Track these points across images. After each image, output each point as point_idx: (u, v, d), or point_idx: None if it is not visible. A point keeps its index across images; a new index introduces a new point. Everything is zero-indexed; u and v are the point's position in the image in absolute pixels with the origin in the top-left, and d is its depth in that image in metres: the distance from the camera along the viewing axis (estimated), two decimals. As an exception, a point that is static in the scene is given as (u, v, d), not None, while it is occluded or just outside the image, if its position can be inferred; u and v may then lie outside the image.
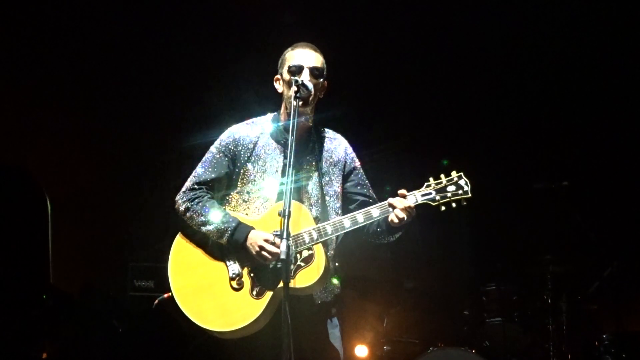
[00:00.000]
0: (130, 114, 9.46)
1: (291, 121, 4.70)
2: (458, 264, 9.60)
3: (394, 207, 4.89)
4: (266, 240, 4.81)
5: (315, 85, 4.94)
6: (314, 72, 4.97)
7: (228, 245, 4.88)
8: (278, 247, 4.70)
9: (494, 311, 8.62)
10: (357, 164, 5.19)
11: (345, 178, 5.14)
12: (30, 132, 9.13)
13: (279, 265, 4.69)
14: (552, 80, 9.50)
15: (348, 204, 5.12)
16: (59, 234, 8.83)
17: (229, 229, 4.86)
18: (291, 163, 4.57)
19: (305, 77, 4.91)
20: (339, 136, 5.24)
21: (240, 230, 4.84)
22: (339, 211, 5.07)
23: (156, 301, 5.14)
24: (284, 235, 4.40)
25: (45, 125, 9.15)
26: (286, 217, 4.43)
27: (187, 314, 4.86)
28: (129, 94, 9.40)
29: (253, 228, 4.86)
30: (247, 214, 4.98)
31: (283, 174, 4.93)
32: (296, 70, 4.94)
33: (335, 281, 5.06)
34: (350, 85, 8.84)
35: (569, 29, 9.25)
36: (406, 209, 4.84)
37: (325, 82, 5.07)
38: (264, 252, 4.81)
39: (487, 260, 9.16)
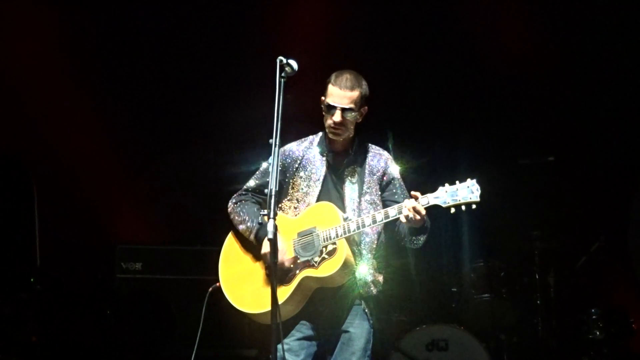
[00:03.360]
0: (120, 96, 9.45)
1: (276, 96, 4.96)
2: (445, 241, 9.60)
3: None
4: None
5: (346, 121, 5.38)
6: (346, 113, 5.37)
7: (255, 243, 5.42)
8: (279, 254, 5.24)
9: (482, 288, 8.64)
10: (396, 175, 5.59)
11: (384, 188, 5.55)
12: (16, 115, 9.09)
13: (308, 256, 5.29)
14: (537, 54, 9.49)
15: None
16: (46, 217, 8.83)
17: (254, 229, 5.42)
18: (277, 143, 4.92)
19: (336, 117, 5.35)
20: (383, 151, 5.65)
21: (263, 230, 5.25)
22: None
23: (210, 289, 5.47)
24: (271, 215, 4.76)
25: (31, 106, 9.12)
26: (272, 196, 4.80)
27: (229, 299, 5.44)
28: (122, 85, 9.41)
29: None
30: (295, 214, 5.50)
31: (324, 181, 5.46)
32: (329, 111, 5.38)
33: (379, 278, 5.49)
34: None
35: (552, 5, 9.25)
36: (412, 209, 5.19)
37: (364, 108, 5.46)
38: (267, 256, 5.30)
39: (474, 237, 9.18)
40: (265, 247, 5.26)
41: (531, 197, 9.41)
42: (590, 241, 8.81)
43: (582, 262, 8.83)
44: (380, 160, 5.57)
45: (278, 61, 4.99)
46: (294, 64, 5.02)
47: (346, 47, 9.12)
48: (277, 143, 4.92)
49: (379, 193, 5.52)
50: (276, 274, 4.84)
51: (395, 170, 5.59)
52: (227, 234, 5.58)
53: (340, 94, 5.35)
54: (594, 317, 8.40)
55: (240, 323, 8.22)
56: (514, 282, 8.71)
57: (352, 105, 5.36)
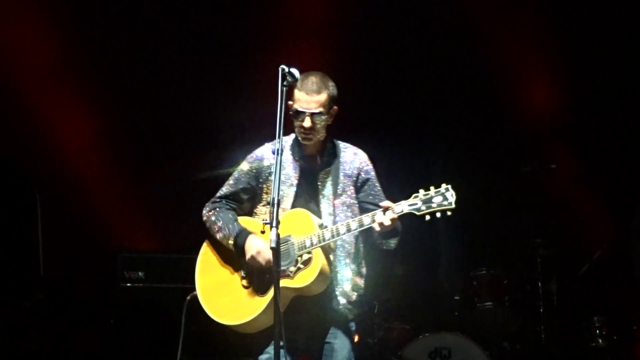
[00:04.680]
0: (120, 104, 9.45)
1: (278, 105, 4.95)
2: (448, 249, 9.61)
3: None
4: (258, 250, 5.24)
5: (316, 125, 5.29)
6: (315, 117, 5.28)
7: (234, 250, 5.34)
8: (264, 259, 5.20)
9: (484, 295, 8.64)
10: (371, 175, 5.47)
11: (359, 189, 5.44)
12: (18, 123, 9.10)
13: (284, 266, 5.14)
14: (540, 61, 9.51)
15: (362, 213, 5.37)
16: (49, 225, 8.83)
17: (232, 235, 5.33)
18: (280, 151, 4.91)
19: (306, 123, 5.27)
20: (358, 150, 5.54)
21: (241, 237, 5.30)
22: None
23: (188, 297, 5.54)
24: (274, 224, 4.74)
25: (33, 115, 9.13)
26: (275, 205, 4.78)
27: (206, 309, 5.37)
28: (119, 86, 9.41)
29: (253, 234, 5.31)
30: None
31: (299, 186, 5.38)
32: (297, 116, 5.29)
33: (359, 282, 5.42)
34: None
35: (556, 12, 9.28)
36: (386, 218, 5.09)
37: (333, 109, 5.35)
38: (255, 258, 5.25)
39: (477, 245, 9.18)
40: (251, 248, 5.22)
41: (533, 204, 9.41)
42: (593, 248, 8.81)
43: (584, 269, 8.83)
44: (355, 160, 5.46)
45: (280, 70, 5.00)
46: (295, 72, 5.04)
47: (344, 49, 9.14)
48: (281, 150, 4.90)
49: (354, 194, 5.42)
50: (279, 283, 4.78)
51: (370, 169, 5.48)
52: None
53: (308, 99, 5.26)
54: (597, 324, 8.40)
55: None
56: (517, 289, 8.72)
57: (320, 109, 5.27)
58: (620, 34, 9.23)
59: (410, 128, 9.66)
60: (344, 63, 8.88)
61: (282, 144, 4.91)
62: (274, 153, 5.01)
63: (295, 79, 5.05)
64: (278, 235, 4.72)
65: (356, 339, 8.61)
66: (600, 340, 8.35)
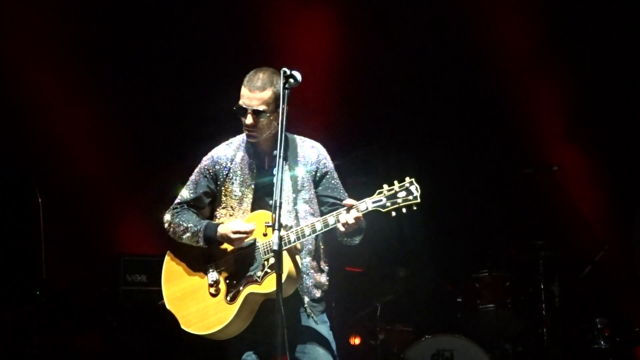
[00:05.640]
0: (123, 107, 9.46)
1: (281, 106, 4.95)
2: (450, 250, 9.60)
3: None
4: (236, 227, 5.14)
5: (259, 123, 5.20)
6: (257, 114, 5.18)
7: (205, 245, 5.25)
8: (246, 228, 5.11)
9: (486, 297, 8.63)
10: (329, 168, 5.38)
11: (317, 183, 5.35)
12: (20, 128, 9.11)
13: (251, 271, 5.15)
14: (540, 63, 9.51)
15: (321, 206, 5.35)
16: (51, 229, 8.83)
17: (200, 229, 5.24)
18: (281, 155, 4.88)
19: (248, 120, 5.19)
20: (315, 143, 5.44)
21: (210, 228, 5.23)
22: (314, 215, 5.30)
23: (159, 302, 5.52)
24: (276, 226, 4.71)
25: (35, 119, 9.14)
26: (277, 207, 4.75)
27: (176, 317, 5.31)
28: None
29: (221, 224, 5.22)
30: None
31: (257, 185, 5.27)
32: (239, 112, 5.21)
33: (322, 279, 5.33)
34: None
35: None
36: (351, 217, 5.02)
37: (279, 109, 5.10)
38: (236, 235, 5.15)
39: (479, 247, 9.17)
40: (228, 229, 5.09)
41: (535, 206, 9.41)
42: (595, 250, 8.81)
43: (587, 271, 8.83)
44: (312, 153, 5.36)
45: (282, 72, 4.98)
46: (297, 75, 5.00)
47: (344, 49, 9.15)
48: (281, 154, 4.87)
49: (314, 189, 5.34)
50: (281, 286, 4.74)
51: (328, 163, 5.38)
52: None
53: (250, 95, 5.17)
54: (599, 326, 8.39)
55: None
56: (519, 291, 8.70)
57: (263, 107, 5.16)
58: (623, 34, 9.23)
59: (409, 128, 9.65)
60: (344, 63, 8.90)
61: (281, 148, 4.87)
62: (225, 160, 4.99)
63: (297, 82, 5.00)
64: (280, 238, 4.69)
65: (357, 341, 8.65)
66: (602, 342, 8.35)
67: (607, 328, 8.39)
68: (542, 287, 8.55)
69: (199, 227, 5.24)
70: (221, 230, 5.18)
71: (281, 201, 4.77)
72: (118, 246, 9.36)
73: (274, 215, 4.73)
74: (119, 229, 9.55)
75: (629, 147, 9.37)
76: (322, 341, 5.27)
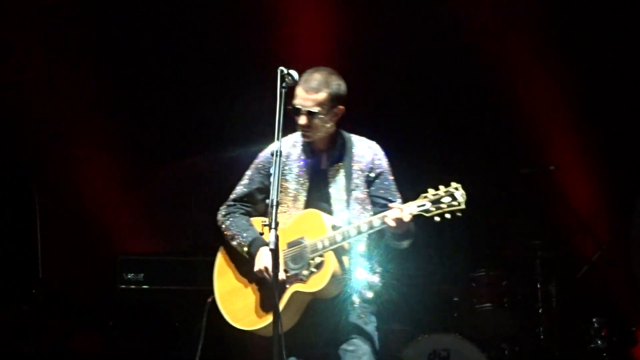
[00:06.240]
0: (120, 106, 9.46)
1: (277, 107, 4.94)
2: (447, 250, 9.60)
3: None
4: (265, 267, 5.14)
5: (313, 123, 5.20)
6: (310, 115, 5.18)
7: (248, 258, 5.28)
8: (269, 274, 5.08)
9: (483, 297, 8.64)
10: (384, 169, 5.37)
11: (370, 183, 5.33)
12: (17, 126, 9.11)
13: (297, 270, 5.16)
14: (537, 61, 9.52)
15: (373, 207, 5.33)
16: (48, 228, 8.84)
17: (246, 243, 5.28)
18: (279, 153, 4.92)
19: (302, 120, 5.19)
20: (372, 143, 5.45)
21: (254, 246, 5.24)
22: (366, 216, 5.27)
23: (209, 299, 5.51)
24: (273, 225, 4.73)
25: (32, 117, 9.14)
26: (274, 207, 4.78)
27: (223, 312, 5.34)
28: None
29: (266, 244, 5.11)
30: (285, 223, 5.29)
31: (311, 184, 5.30)
32: (295, 113, 5.19)
33: (373, 280, 5.32)
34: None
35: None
36: (396, 220, 5.01)
37: (337, 109, 5.24)
38: (262, 273, 5.17)
39: (476, 246, 9.18)
40: (260, 261, 5.15)
41: (533, 206, 9.41)
42: (592, 250, 8.82)
43: (584, 271, 8.83)
44: (368, 153, 5.36)
45: (279, 72, 4.98)
46: (294, 74, 5.03)
47: (344, 49, 9.16)
48: (280, 153, 4.90)
49: (366, 189, 5.31)
50: (277, 286, 4.77)
51: (383, 163, 5.37)
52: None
53: (305, 96, 5.18)
54: (596, 326, 8.39)
55: (242, 336, 8.24)
56: (516, 291, 8.71)
57: (318, 108, 5.17)
58: (620, 31, 9.24)
59: (407, 128, 9.65)
60: (343, 62, 8.89)
61: (280, 147, 4.90)
62: (273, 155, 4.99)
63: (294, 81, 5.03)
64: (277, 237, 4.71)
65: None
66: (599, 342, 8.34)
67: (604, 328, 8.39)
68: (539, 286, 8.56)
69: (245, 240, 5.28)
70: (258, 256, 5.19)
71: (278, 200, 4.79)
72: (115, 245, 9.36)
73: (270, 213, 4.75)
74: (116, 228, 9.54)
75: (627, 147, 9.38)
76: (367, 338, 5.27)
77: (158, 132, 9.57)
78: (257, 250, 5.21)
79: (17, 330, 8.30)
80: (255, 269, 5.18)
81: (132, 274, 8.85)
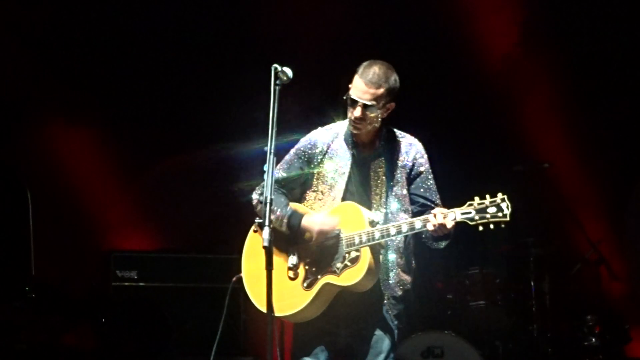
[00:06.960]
0: (112, 103, 9.45)
1: (271, 104, 4.91)
2: (441, 248, 9.59)
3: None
4: (320, 222, 5.11)
5: (367, 117, 5.15)
6: (367, 109, 5.14)
7: (289, 232, 5.19)
8: (331, 223, 5.08)
9: (477, 294, 8.64)
10: (425, 168, 5.34)
11: (411, 181, 5.30)
12: (10, 124, 9.09)
13: (331, 262, 5.09)
14: (531, 59, 9.52)
15: (411, 205, 5.31)
16: (41, 225, 8.81)
17: (286, 216, 5.15)
18: (272, 151, 4.85)
19: (357, 113, 5.13)
20: (414, 141, 5.42)
21: (295, 217, 5.16)
22: (406, 213, 5.26)
23: (234, 278, 5.43)
24: (266, 223, 4.69)
25: (24, 115, 9.12)
26: (268, 204, 4.74)
27: (249, 295, 5.25)
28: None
29: (306, 214, 5.18)
30: (319, 211, 5.26)
31: (350, 175, 5.24)
32: (351, 104, 5.15)
33: (406, 278, 5.31)
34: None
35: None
36: (437, 226, 5.01)
37: (390, 104, 5.22)
38: (320, 229, 5.11)
39: (469, 244, 9.18)
40: (313, 227, 5.08)
41: (526, 203, 9.41)
42: (585, 247, 8.83)
43: (577, 268, 8.85)
44: (411, 150, 5.33)
45: (273, 69, 4.94)
46: (288, 71, 4.98)
47: (344, 49, 9.16)
48: (272, 150, 4.84)
49: (407, 186, 5.28)
50: (271, 281, 4.70)
51: (425, 161, 5.34)
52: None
53: (364, 89, 5.12)
54: (589, 323, 8.42)
55: (236, 329, 8.24)
56: (509, 288, 8.73)
57: (374, 103, 5.13)
58: (614, 27, 9.25)
59: (402, 126, 9.63)
60: (343, 62, 8.88)
61: (272, 146, 4.84)
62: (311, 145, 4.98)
63: (289, 78, 4.97)
64: (271, 234, 4.67)
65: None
66: (593, 339, 8.37)
67: (597, 325, 8.41)
68: (532, 284, 8.57)
69: (284, 212, 5.17)
70: (305, 222, 5.14)
71: (272, 198, 4.76)
72: (108, 242, 9.36)
73: (264, 210, 4.73)
74: (109, 225, 9.53)
75: (620, 145, 9.39)
76: (390, 335, 5.27)
77: (152, 128, 9.55)
78: (299, 219, 5.14)
79: (9, 327, 8.28)
80: (313, 232, 5.09)
81: (125, 271, 8.85)
